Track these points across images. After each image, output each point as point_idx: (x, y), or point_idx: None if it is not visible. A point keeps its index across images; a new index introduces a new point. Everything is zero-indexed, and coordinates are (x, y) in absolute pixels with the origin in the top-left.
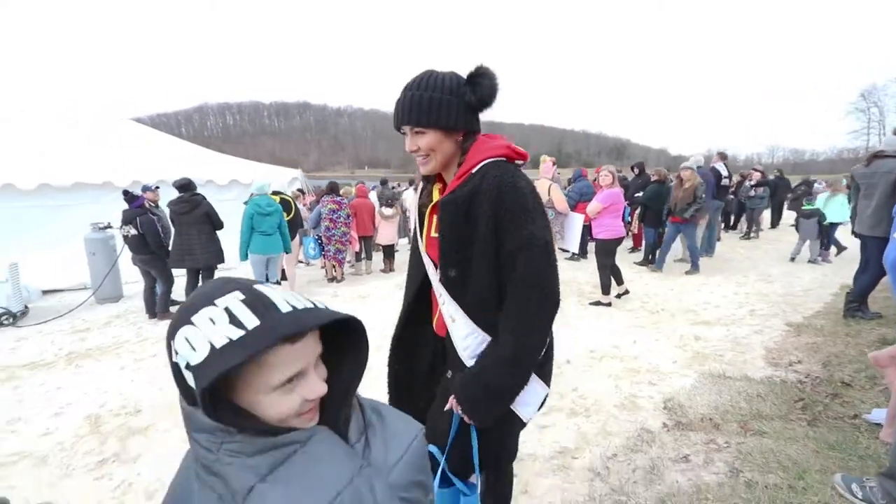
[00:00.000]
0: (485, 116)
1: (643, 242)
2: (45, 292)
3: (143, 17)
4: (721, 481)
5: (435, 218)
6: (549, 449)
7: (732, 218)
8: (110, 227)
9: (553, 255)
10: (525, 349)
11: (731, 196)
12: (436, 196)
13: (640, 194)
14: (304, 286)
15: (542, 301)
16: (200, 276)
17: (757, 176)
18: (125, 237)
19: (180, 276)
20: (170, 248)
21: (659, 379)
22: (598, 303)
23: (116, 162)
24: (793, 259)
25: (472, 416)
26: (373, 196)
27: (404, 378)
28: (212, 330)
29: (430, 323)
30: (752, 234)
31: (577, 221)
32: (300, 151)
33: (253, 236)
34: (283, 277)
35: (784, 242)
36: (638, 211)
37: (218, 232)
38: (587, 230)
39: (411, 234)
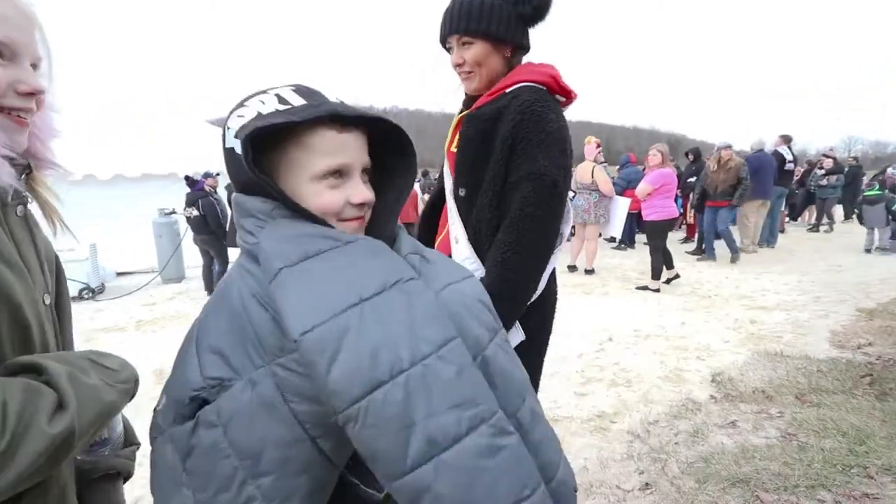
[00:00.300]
0: None
1: (697, 232)
2: (118, 274)
3: (204, 29)
4: (770, 444)
5: (458, 133)
6: (587, 412)
7: (797, 208)
8: (175, 212)
9: (561, 203)
10: (511, 287)
11: (797, 184)
12: None
13: (694, 179)
14: None
15: (537, 241)
16: None
17: (829, 163)
18: (188, 218)
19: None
20: (227, 229)
21: (708, 355)
22: (645, 287)
23: (180, 154)
24: (868, 251)
25: None
26: (416, 186)
27: None
28: (262, 107)
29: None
30: (822, 226)
31: (621, 206)
32: None
33: None
34: None
35: (858, 235)
36: (691, 198)
37: None
38: (635, 219)
39: None
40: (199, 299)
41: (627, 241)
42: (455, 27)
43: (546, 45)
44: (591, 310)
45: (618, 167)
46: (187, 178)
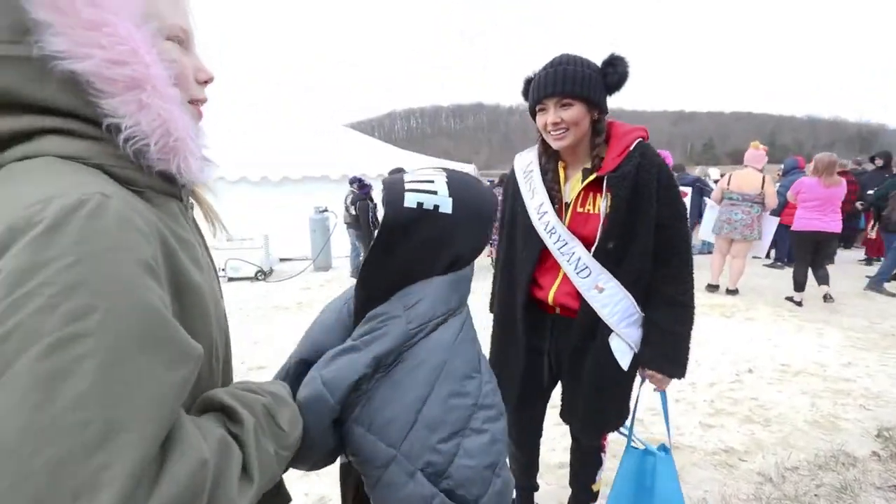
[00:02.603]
0: (675, 104)
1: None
2: (280, 259)
3: (347, 45)
4: None
5: (590, 195)
6: (713, 445)
7: None
8: (327, 210)
9: None
10: (693, 297)
11: None
12: (563, 176)
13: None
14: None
15: (691, 258)
16: None
17: None
18: (350, 214)
19: None
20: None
21: (877, 405)
22: (789, 299)
23: (332, 158)
24: None
25: (678, 374)
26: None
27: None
28: None
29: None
30: None
31: (770, 224)
32: (472, 150)
33: None
34: None
35: None
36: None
37: None
38: (792, 234)
39: None
40: (345, 285)
41: (786, 258)
42: (560, 88)
43: (698, 32)
44: (729, 335)
45: (780, 171)
46: (359, 181)
